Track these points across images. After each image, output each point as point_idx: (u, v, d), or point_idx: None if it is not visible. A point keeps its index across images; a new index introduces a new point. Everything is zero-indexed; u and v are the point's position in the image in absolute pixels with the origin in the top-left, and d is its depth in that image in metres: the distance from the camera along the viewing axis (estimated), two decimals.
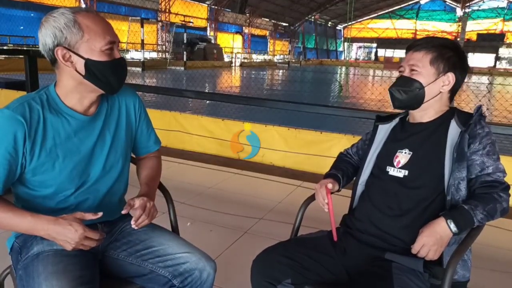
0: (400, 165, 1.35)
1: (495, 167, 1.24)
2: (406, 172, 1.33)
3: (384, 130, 1.48)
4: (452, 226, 1.17)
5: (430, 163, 1.30)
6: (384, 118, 1.51)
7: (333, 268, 1.35)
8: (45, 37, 1.12)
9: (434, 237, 1.17)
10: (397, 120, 1.48)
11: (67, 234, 1.06)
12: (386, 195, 1.36)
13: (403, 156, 1.36)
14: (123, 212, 1.19)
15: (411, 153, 1.35)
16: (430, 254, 1.18)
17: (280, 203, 3.16)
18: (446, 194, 1.25)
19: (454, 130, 1.30)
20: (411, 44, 1.37)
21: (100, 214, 1.12)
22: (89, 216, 1.11)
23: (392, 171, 1.36)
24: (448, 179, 1.26)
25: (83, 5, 22.04)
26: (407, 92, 1.33)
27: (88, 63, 1.13)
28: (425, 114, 1.37)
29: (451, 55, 1.31)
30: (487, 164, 1.24)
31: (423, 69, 1.31)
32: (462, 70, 1.34)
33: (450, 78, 1.32)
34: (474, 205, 1.18)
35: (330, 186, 1.40)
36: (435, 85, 1.32)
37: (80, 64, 1.14)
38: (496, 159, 1.26)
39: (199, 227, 2.66)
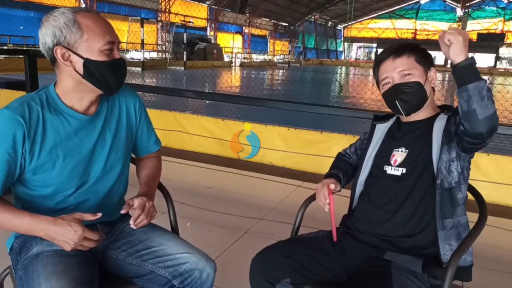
0: (397, 164, 1.36)
1: None
2: (404, 170, 1.34)
3: (381, 129, 1.49)
4: (471, 58, 1.08)
5: (420, 155, 1.32)
6: (381, 117, 1.52)
7: (333, 268, 1.35)
8: (45, 36, 1.13)
9: (462, 36, 1.07)
10: (394, 119, 1.49)
11: (66, 234, 1.06)
12: (385, 194, 1.36)
13: (399, 155, 1.37)
14: (122, 211, 1.19)
15: (407, 151, 1.36)
16: (452, 38, 1.08)
17: (280, 203, 3.16)
18: (436, 177, 1.26)
19: (441, 118, 1.34)
20: (382, 57, 1.38)
21: (99, 215, 1.12)
22: (88, 217, 1.10)
23: (390, 170, 1.37)
24: (436, 162, 1.27)
25: (83, 5, 22.05)
26: (413, 95, 1.33)
27: (87, 62, 1.13)
28: (421, 111, 1.38)
29: (422, 53, 1.37)
30: None
31: (415, 70, 1.34)
32: (433, 63, 1.39)
33: (433, 73, 1.37)
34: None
35: (332, 186, 1.40)
36: (428, 82, 1.36)
37: (79, 64, 1.14)
38: None
39: (199, 227, 2.66)
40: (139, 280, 1.29)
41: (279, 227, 2.65)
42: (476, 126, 1.13)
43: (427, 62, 1.36)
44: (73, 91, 1.19)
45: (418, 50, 1.37)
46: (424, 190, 1.29)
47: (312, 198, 1.51)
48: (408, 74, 1.33)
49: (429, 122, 1.36)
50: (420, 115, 1.38)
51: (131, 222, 1.20)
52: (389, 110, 1.43)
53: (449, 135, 1.27)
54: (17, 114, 1.10)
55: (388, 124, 1.49)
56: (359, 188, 1.46)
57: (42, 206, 1.20)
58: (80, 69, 1.14)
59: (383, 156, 1.41)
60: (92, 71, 1.14)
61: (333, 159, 1.64)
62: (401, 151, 1.37)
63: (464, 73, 1.10)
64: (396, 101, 1.35)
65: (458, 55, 1.09)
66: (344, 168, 1.53)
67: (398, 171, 1.35)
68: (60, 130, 1.18)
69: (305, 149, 4.02)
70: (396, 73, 1.34)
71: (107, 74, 1.16)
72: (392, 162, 1.37)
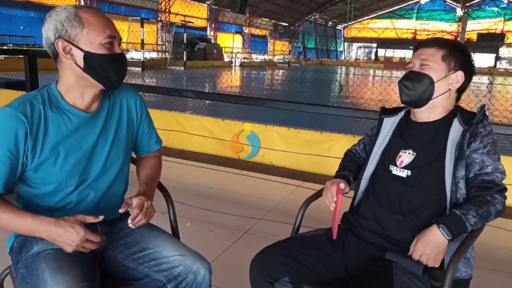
0: (403, 165, 1.34)
1: (494, 167, 1.24)
2: (409, 172, 1.33)
3: (389, 124, 1.46)
4: (445, 232, 1.16)
5: (432, 163, 1.30)
6: (389, 111, 1.50)
7: (332, 266, 1.34)
8: (47, 31, 1.14)
9: (430, 246, 1.17)
10: (402, 113, 1.46)
11: (68, 236, 1.06)
12: (389, 193, 1.35)
13: (406, 157, 1.35)
14: (121, 210, 1.19)
15: (415, 154, 1.34)
16: (430, 262, 1.18)
17: (280, 203, 3.16)
18: (446, 193, 1.25)
19: (456, 129, 1.30)
20: (421, 42, 1.38)
21: (101, 217, 1.12)
22: (91, 219, 1.11)
23: (395, 171, 1.36)
24: (449, 178, 1.25)
25: (83, 4, 22.00)
26: (417, 87, 1.32)
27: (87, 55, 1.14)
28: (431, 112, 1.36)
29: (459, 54, 1.33)
30: (486, 163, 1.24)
31: (434, 64, 1.31)
32: (469, 71, 1.35)
33: (459, 76, 1.33)
34: (466, 209, 1.18)
35: (342, 186, 1.38)
36: (445, 82, 1.32)
37: (79, 57, 1.15)
38: (496, 159, 1.25)
39: (199, 227, 2.66)
40: (136, 282, 1.28)
41: (279, 227, 2.65)
42: None
43: (456, 63, 1.32)
44: (74, 86, 1.20)
45: (454, 49, 1.32)
46: (432, 199, 1.28)
47: (312, 198, 1.51)
48: (425, 65, 1.32)
49: (440, 127, 1.34)
50: (430, 115, 1.36)
51: (129, 221, 1.20)
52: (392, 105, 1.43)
53: (461, 152, 1.25)
54: (19, 112, 1.11)
55: (397, 118, 1.46)
56: (363, 183, 1.45)
57: (43, 204, 1.20)
58: (81, 62, 1.15)
59: (390, 155, 1.39)
60: (92, 64, 1.15)
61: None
62: (409, 153, 1.35)
63: (458, 232, 1.19)
64: (401, 84, 1.36)
65: (445, 250, 1.20)
66: (354, 170, 1.52)
67: (403, 173, 1.34)
68: (61, 127, 1.18)
69: (305, 149, 4.01)
70: (418, 60, 1.34)
71: (108, 67, 1.17)
72: (398, 163, 1.36)
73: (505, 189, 1.23)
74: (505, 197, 1.23)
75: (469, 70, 1.34)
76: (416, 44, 1.40)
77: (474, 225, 1.18)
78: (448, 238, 1.16)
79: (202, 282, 1.25)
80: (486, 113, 1.31)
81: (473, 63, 1.36)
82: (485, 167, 1.24)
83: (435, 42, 1.34)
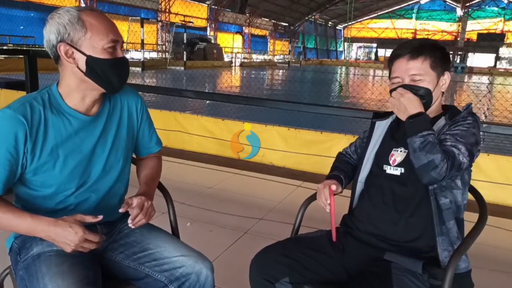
0: (396, 163, 1.36)
1: (454, 145, 1.19)
2: (402, 170, 1.34)
3: (381, 127, 1.48)
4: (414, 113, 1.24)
5: None
6: (381, 114, 1.51)
7: (332, 267, 1.35)
8: (49, 34, 1.13)
9: (403, 98, 1.26)
10: (394, 116, 1.47)
11: (67, 236, 1.06)
12: (384, 193, 1.36)
13: (398, 155, 1.36)
14: (121, 210, 1.19)
15: (407, 151, 1.34)
16: (396, 100, 1.28)
17: (280, 203, 3.16)
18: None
19: (441, 123, 1.32)
20: (399, 52, 1.33)
21: (100, 217, 1.12)
22: (90, 219, 1.10)
23: (389, 170, 1.37)
24: None
25: (83, 5, 22.02)
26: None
27: (89, 60, 1.13)
28: None
29: (441, 55, 1.32)
30: (448, 139, 1.21)
31: (426, 76, 1.30)
32: (449, 66, 1.36)
33: (446, 77, 1.35)
34: (432, 131, 1.20)
35: (334, 187, 1.39)
36: (438, 88, 1.33)
37: (81, 61, 1.14)
38: (461, 142, 1.19)
39: (199, 227, 2.66)
40: (137, 282, 1.28)
41: (279, 227, 2.65)
42: (418, 175, 1.21)
43: (442, 66, 1.32)
44: (75, 89, 1.19)
45: (436, 52, 1.31)
46: (422, 194, 1.29)
47: (312, 198, 1.51)
48: (418, 80, 1.30)
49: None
50: None
51: (129, 221, 1.20)
52: (391, 110, 1.42)
53: None
54: (19, 114, 1.11)
55: (388, 121, 1.48)
56: (359, 186, 1.46)
57: (43, 206, 1.20)
58: (83, 67, 1.14)
59: (383, 155, 1.41)
60: (94, 69, 1.14)
61: (333, 159, 1.64)
62: (400, 151, 1.36)
63: (407, 129, 1.24)
64: None
65: (401, 114, 1.28)
66: (345, 169, 1.53)
67: (397, 171, 1.35)
68: (61, 130, 1.18)
69: (305, 149, 4.02)
70: (407, 75, 1.31)
71: (109, 72, 1.16)
72: (391, 162, 1.37)
73: (453, 165, 1.17)
74: (448, 168, 1.15)
75: (449, 66, 1.36)
76: (393, 54, 1.35)
77: (422, 138, 1.18)
78: (409, 118, 1.24)
79: (205, 282, 1.25)
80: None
81: (449, 56, 1.38)
82: (445, 141, 1.21)
83: (418, 52, 1.29)
